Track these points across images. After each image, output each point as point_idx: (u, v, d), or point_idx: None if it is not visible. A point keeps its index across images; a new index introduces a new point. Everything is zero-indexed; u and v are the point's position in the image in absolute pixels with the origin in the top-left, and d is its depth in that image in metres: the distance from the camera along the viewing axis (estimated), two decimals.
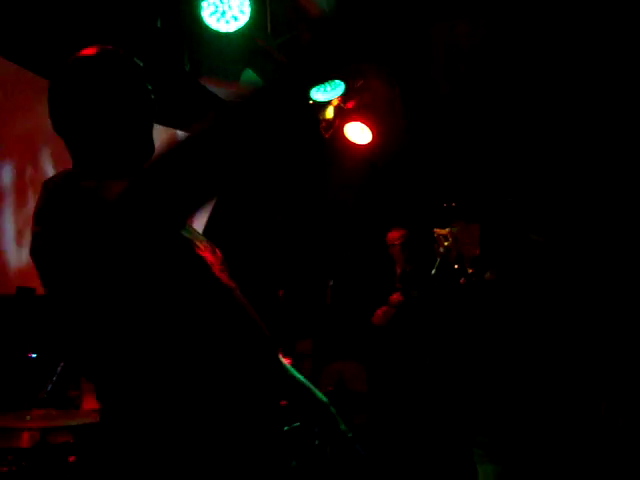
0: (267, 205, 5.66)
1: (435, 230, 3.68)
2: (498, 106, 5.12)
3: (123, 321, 1.35)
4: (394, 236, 5.25)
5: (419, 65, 5.06)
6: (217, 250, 1.67)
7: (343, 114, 5.44)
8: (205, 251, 1.57)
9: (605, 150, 4.76)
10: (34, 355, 3.80)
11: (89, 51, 1.58)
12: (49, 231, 1.34)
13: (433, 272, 3.70)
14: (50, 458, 2.95)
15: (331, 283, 5.60)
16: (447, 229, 3.67)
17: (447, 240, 3.62)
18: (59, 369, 3.74)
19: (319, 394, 1.84)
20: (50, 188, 1.40)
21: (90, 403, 4.30)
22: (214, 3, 3.75)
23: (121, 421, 1.41)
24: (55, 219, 1.33)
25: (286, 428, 1.63)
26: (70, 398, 3.89)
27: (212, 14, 3.78)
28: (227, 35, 3.88)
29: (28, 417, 2.91)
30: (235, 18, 3.79)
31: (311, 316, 6.00)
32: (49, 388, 3.55)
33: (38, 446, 2.97)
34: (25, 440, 3.04)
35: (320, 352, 5.75)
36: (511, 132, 5.17)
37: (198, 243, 1.57)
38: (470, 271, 3.52)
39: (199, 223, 4.96)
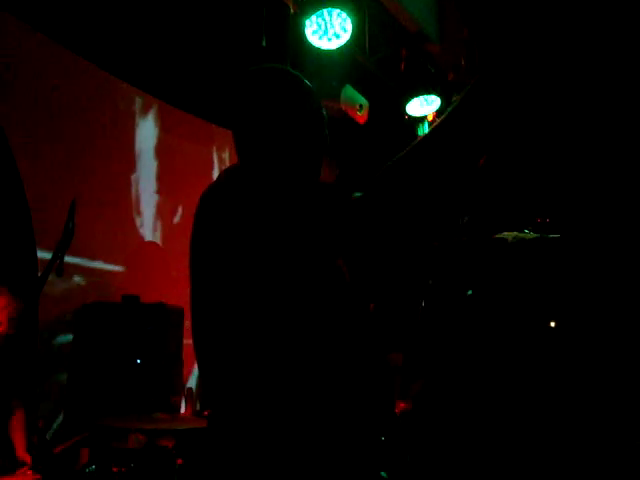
0: None
1: None
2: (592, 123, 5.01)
3: (254, 319, 1.41)
4: None
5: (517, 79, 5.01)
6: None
7: None
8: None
9: None
10: (139, 360, 3.94)
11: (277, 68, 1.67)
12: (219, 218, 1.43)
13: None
14: (158, 460, 3.05)
15: (423, 304, 5.56)
16: None
17: None
18: (163, 374, 3.88)
19: None
20: (225, 180, 1.51)
21: (188, 409, 4.43)
22: (317, 22, 3.83)
23: (231, 423, 1.45)
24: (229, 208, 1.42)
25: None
26: (171, 403, 4.02)
27: (315, 32, 3.87)
28: (328, 53, 3.96)
29: (143, 419, 3.02)
30: (337, 36, 3.87)
31: (402, 330, 5.98)
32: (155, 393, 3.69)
33: (147, 448, 3.08)
34: (132, 441, 3.16)
35: (411, 366, 5.72)
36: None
37: None
38: None
39: None
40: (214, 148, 5.30)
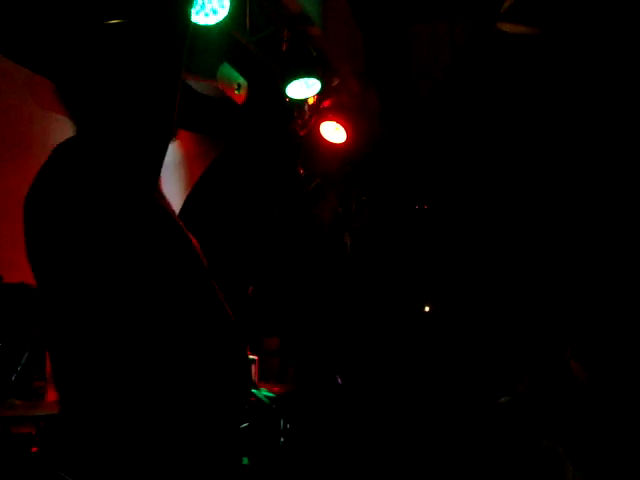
0: (241, 200, 5.66)
1: None
2: (477, 109, 5.17)
3: (95, 299, 1.35)
4: None
5: (398, 66, 5.09)
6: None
7: (319, 113, 5.46)
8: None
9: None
10: None
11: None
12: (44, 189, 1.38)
13: None
14: (12, 448, 2.93)
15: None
16: None
17: None
18: (24, 359, 3.71)
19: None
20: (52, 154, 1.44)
21: (54, 395, 4.27)
22: None
23: (84, 411, 1.39)
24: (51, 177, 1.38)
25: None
26: (34, 389, 3.86)
27: None
28: (205, 29, 3.85)
29: None
30: (214, 11, 3.77)
31: (279, 314, 6.01)
32: (14, 378, 3.52)
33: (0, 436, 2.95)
34: None
35: (287, 350, 5.76)
36: (488, 135, 5.22)
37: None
38: None
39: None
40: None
